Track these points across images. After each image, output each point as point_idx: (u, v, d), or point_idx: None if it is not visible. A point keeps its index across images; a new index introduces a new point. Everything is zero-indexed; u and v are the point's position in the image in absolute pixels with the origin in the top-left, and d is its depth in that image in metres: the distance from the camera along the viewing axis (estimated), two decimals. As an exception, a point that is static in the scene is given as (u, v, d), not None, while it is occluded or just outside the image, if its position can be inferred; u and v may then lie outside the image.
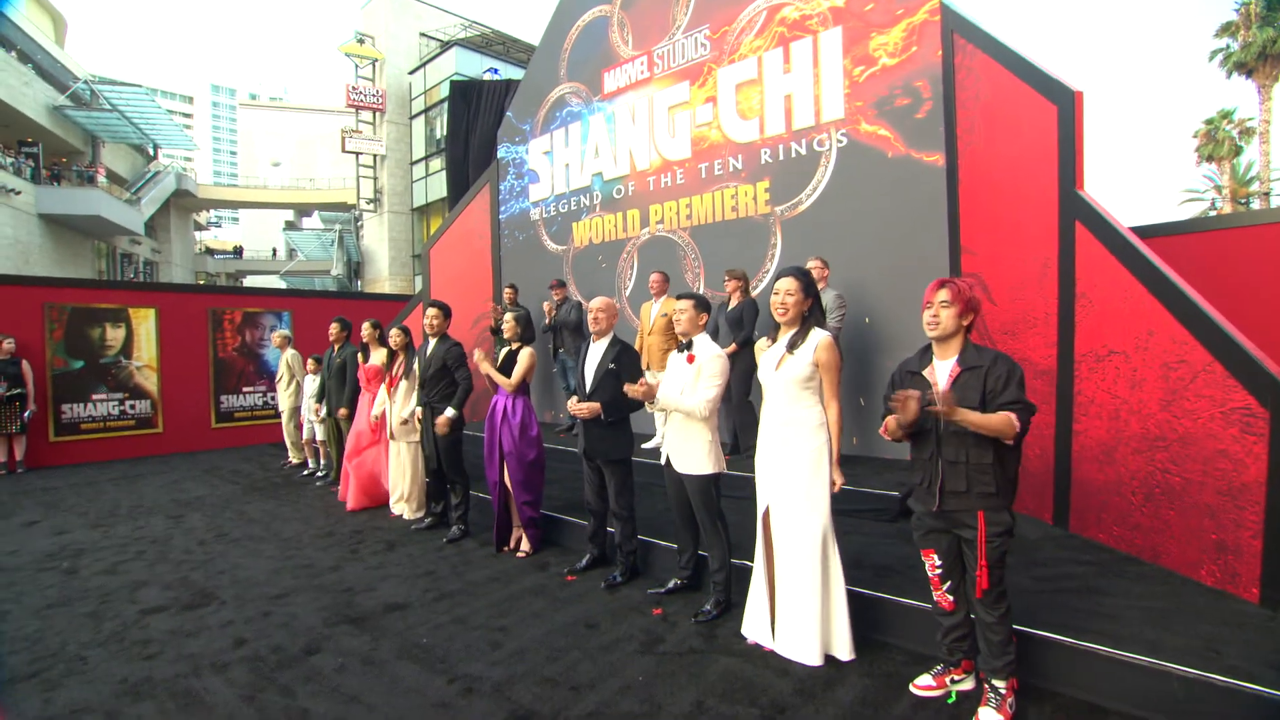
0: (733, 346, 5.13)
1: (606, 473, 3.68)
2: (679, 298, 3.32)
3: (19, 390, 7.36)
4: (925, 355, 2.45)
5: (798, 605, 2.75)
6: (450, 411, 4.51)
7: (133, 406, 8.48)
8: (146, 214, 26.02)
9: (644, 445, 6.09)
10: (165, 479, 7.04)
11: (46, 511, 5.66)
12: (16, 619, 3.36)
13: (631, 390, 3.18)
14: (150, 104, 24.30)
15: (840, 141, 5.55)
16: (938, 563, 2.44)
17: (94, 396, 8.20)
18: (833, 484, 2.72)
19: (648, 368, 5.90)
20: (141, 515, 5.45)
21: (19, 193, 18.85)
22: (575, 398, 3.66)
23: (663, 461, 3.34)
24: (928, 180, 5.01)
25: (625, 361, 3.61)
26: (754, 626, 2.94)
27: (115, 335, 8.37)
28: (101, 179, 22.88)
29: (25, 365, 7.48)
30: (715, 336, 5.40)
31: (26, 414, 7.44)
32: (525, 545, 4.23)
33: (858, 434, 5.39)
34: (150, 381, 8.62)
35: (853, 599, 2.93)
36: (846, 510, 4.27)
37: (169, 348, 8.75)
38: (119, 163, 26.06)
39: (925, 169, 5.02)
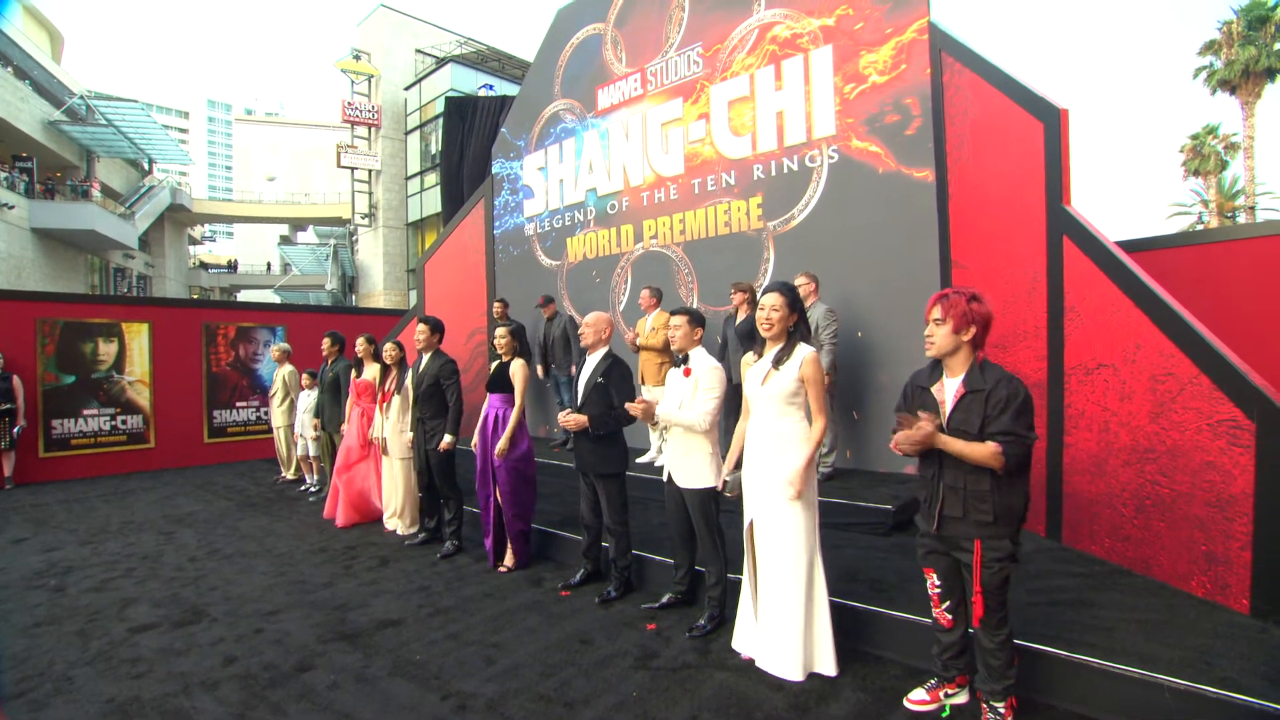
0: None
1: (599, 487, 3.67)
2: (674, 313, 3.33)
3: (8, 406, 7.31)
4: (936, 369, 2.38)
5: (780, 620, 2.75)
6: (448, 438, 4.51)
7: (124, 421, 8.43)
8: (141, 228, 26.00)
9: (638, 460, 6.08)
10: (157, 495, 6.99)
11: (35, 528, 5.61)
12: (3, 638, 3.32)
13: (631, 409, 3.20)
14: (146, 119, 24.34)
15: (831, 157, 5.61)
16: (937, 582, 2.41)
17: (85, 412, 8.15)
18: (795, 489, 2.69)
19: (642, 382, 5.92)
20: (132, 531, 5.41)
21: (13, 207, 18.82)
22: (567, 410, 3.67)
23: (664, 478, 3.34)
24: (918, 195, 5.06)
25: (615, 375, 3.62)
26: (744, 640, 2.94)
27: (108, 350, 8.34)
28: (96, 194, 22.88)
29: (16, 381, 7.44)
30: (723, 350, 5.41)
31: (16, 430, 7.39)
32: (513, 561, 4.21)
33: (851, 448, 5.40)
34: (143, 396, 8.57)
35: (846, 613, 2.93)
36: (840, 524, 4.28)
37: (162, 362, 8.72)
38: (114, 177, 26.07)
39: (915, 184, 5.08)
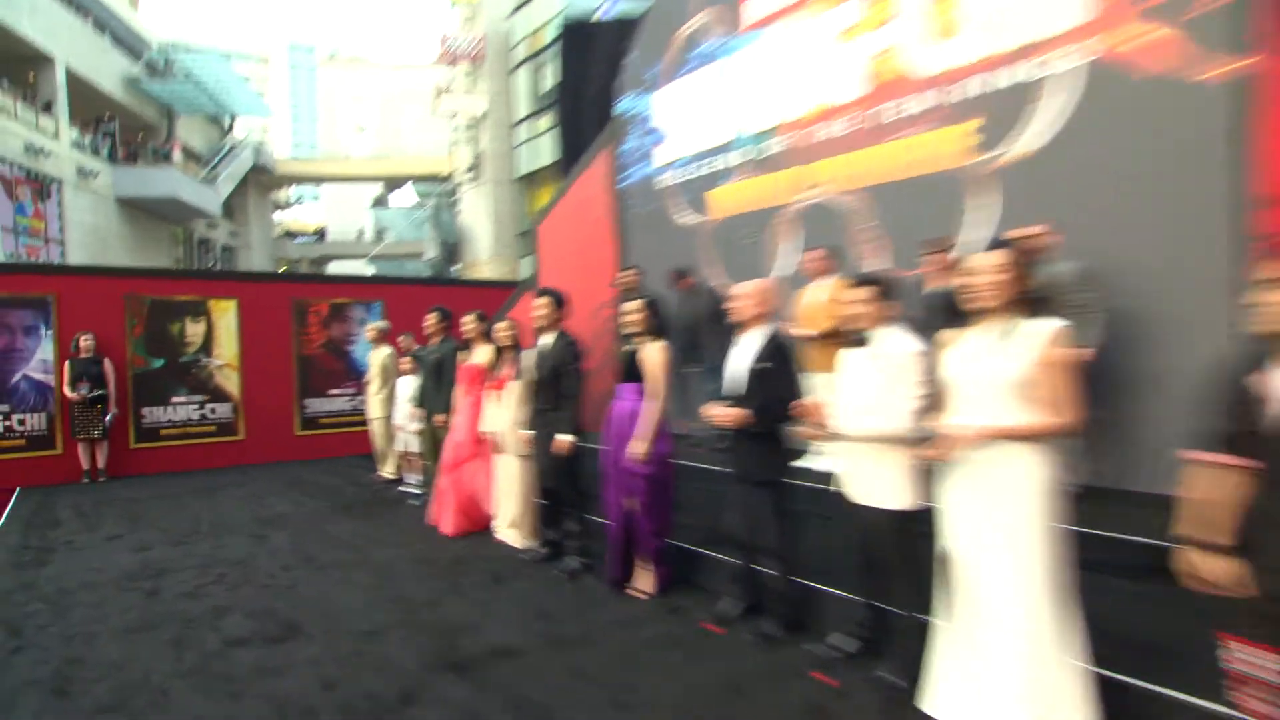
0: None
1: (757, 497, 3.67)
2: (855, 281, 3.24)
3: (101, 392, 8.41)
4: (1263, 353, 2.12)
5: (1003, 681, 2.60)
6: (566, 437, 4.66)
7: (213, 410, 9.50)
8: (223, 193, 29.12)
9: (798, 463, 5.97)
10: (246, 492, 7.85)
11: (129, 525, 6.45)
12: (102, 643, 3.86)
13: (802, 431, 3.19)
14: (225, 69, 27.14)
15: (1081, 59, 5.18)
16: (1267, 663, 2.13)
17: (174, 399, 9.26)
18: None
19: (808, 370, 5.81)
20: (223, 533, 6.09)
21: (97, 175, 21.65)
22: (718, 403, 3.68)
23: (831, 487, 3.28)
24: (1213, 104, 4.56)
25: (781, 358, 3.59)
26: (945, 703, 2.81)
27: (195, 330, 9.42)
28: (177, 156, 25.83)
29: (107, 364, 8.54)
30: (918, 328, 5.22)
31: (108, 417, 8.50)
32: (647, 584, 4.30)
33: (1106, 457, 4.98)
34: (231, 382, 9.61)
35: (1103, 687, 2.72)
36: (1088, 561, 3.98)
37: (250, 344, 9.71)
38: (194, 136, 29.34)
39: (1209, 90, 4.58)
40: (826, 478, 3.39)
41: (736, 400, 3.63)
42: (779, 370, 3.57)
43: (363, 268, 36.46)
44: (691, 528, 4.84)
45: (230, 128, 33.32)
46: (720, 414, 3.62)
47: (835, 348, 3.43)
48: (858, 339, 3.20)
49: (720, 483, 4.02)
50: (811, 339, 5.74)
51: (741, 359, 3.70)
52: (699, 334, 7.05)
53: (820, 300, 5.78)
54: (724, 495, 3.95)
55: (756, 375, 3.60)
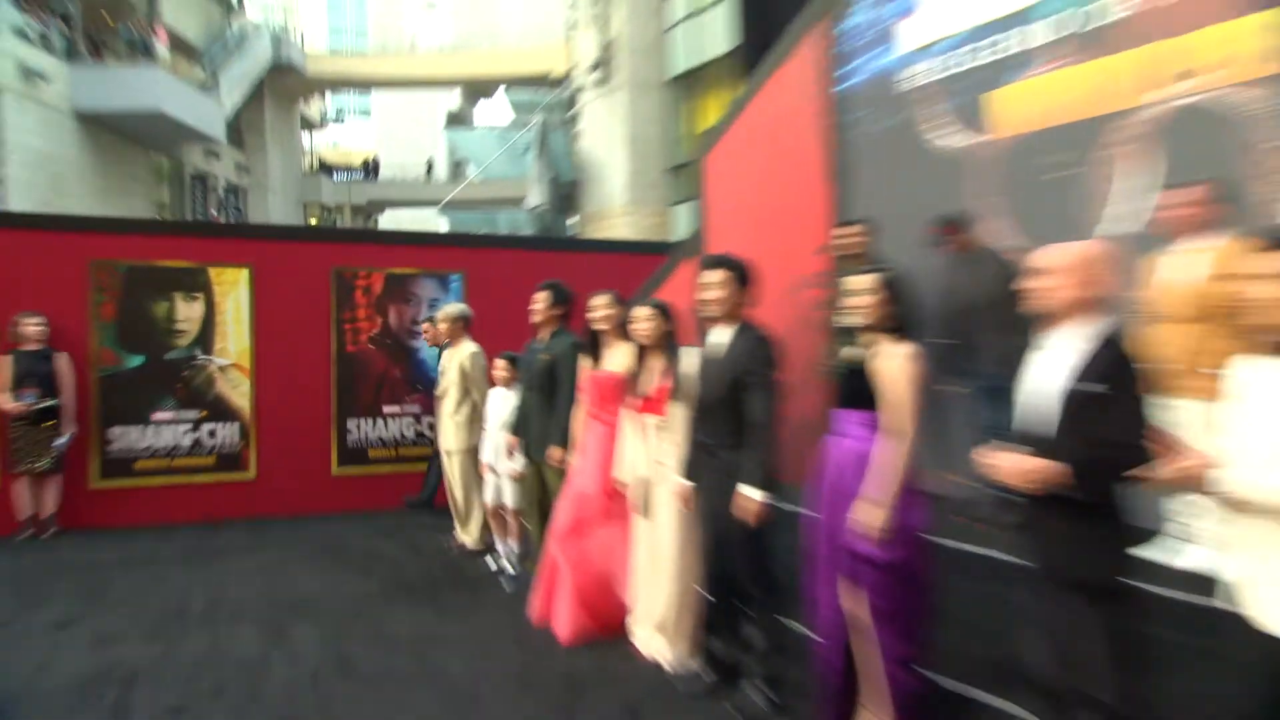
0: None
1: (1076, 610, 3.51)
2: (1268, 243, 3.00)
3: (53, 402, 8.87)
4: None
5: None
6: (753, 494, 4.59)
7: (212, 433, 9.97)
8: (229, 105, 30.75)
9: (1146, 554, 5.71)
10: (259, 560, 8.21)
11: (86, 604, 6.88)
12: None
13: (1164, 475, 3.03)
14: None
15: None
16: None
17: (156, 415, 9.75)
18: None
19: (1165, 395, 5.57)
20: (223, 621, 6.40)
21: (49, 79, 23.16)
22: (1006, 447, 3.56)
23: (1234, 604, 3.08)
24: None
25: (1123, 377, 3.41)
26: None
27: (189, 313, 9.91)
28: (162, 49, 27.48)
29: (62, 361, 9.03)
30: None
31: (62, 441, 8.96)
32: None
33: None
34: (240, 391, 10.07)
35: None
36: None
37: (269, 335, 10.14)
38: (186, 19, 31.07)
39: None
40: (1207, 583, 3.18)
41: (1040, 444, 3.49)
42: (1118, 395, 3.39)
43: (433, 220, 37.76)
44: (959, 653, 4.72)
45: (239, 4, 35.10)
46: (1012, 466, 3.48)
47: (1224, 357, 3.24)
48: (1273, 344, 2.98)
49: (1011, 581, 3.87)
50: (1177, 341, 5.49)
51: (1050, 374, 3.57)
52: (972, 330, 6.90)
53: (1194, 275, 5.53)
54: (1016, 603, 3.84)
55: (1077, 402, 3.45)
